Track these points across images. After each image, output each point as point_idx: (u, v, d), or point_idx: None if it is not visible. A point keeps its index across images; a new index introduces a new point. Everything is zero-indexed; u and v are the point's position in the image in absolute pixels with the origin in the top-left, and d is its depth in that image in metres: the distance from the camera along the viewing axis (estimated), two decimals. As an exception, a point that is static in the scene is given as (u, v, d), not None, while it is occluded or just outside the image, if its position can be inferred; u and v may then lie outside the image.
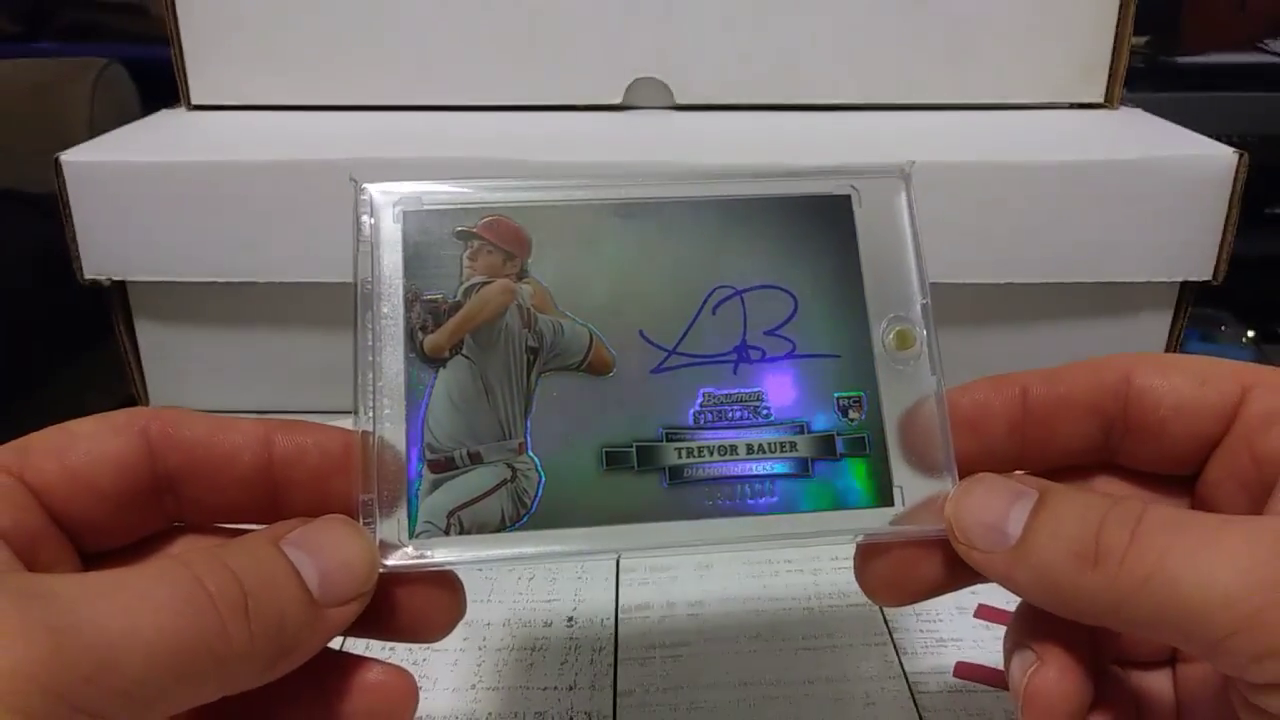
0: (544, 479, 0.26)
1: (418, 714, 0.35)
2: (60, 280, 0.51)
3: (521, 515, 0.25)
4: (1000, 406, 0.27)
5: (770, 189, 0.28)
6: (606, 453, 0.26)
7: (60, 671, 0.18)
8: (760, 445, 0.26)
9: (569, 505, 0.25)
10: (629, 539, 0.25)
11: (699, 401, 0.26)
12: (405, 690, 0.25)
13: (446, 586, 0.25)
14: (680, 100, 0.58)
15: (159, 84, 0.61)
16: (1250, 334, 0.70)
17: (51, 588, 0.19)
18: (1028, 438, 0.27)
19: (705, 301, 0.27)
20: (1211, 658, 0.21)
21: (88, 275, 0.51)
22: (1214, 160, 0.48)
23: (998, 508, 0.24)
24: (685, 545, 0.26)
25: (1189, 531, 0.21)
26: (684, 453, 0.26)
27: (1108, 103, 0.58)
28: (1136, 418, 0.26)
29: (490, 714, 0.35)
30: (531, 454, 0.26)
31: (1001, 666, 0.28)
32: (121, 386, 0.55)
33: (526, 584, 0.41)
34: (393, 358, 0.26)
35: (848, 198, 0.28)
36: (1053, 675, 0.25)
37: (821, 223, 0.28)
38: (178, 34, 0.56)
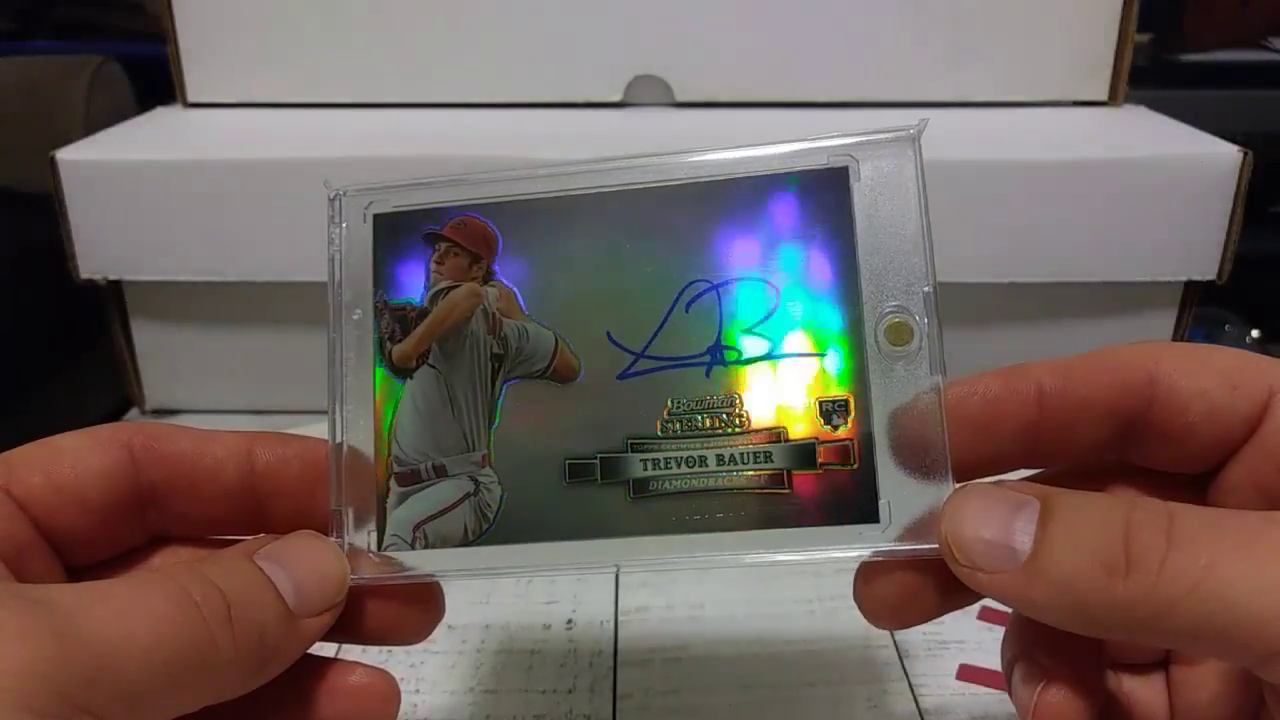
0: (505, 493, 0.25)
1: (418, 718, 0.35)
2: (56, 279, 0.51)
3: (484, 529, 0.25)
4: (1013, 406, 0.24)
5: (757, 166, 0.25)
6: (569, 465, 0.25)
7: (65, 673, 0.18)
8: (731, 456, 0.24)
9: (531, 519, 0.25)
10: (590, 555, 0.24)
11: (667, 409, 0.25)
12: (386, 693, 0.25)
13: (419, 597, 0.26)
14: (680, 98, 0.57)
15: (155, 82, 0.61)
16: (1255, 333, 0.70)
17: (49, 595, 0.19)
18: (1042, 439, 0.25)
19: (678, 298, 0.25)
20: (1260, 669, 0.20)
21: (84, 274, 0.50)
22: (1218, 158, 0.48)
23: (999, 521, 0.22)
24: (647, 563, 0.25)
25: (1232, 534, 0.20)
26: (650, 464, 0.24)
27: (1111, 100, 0.58)
28: (1161, 421, 0.24)
29: (488, 717, 0.35)
30: (495, 466, 0.25)
31: (1005, 670, 0.27)
32: (118, 386, 0.55)
33: (525, 586, 0.41)
34: (363, 369, 0.26)
35: (845, 170, 0.25)
36: (1065, 692, 0.24)
37: (813, 202, 0.25)
38: (174, 31, 0.56)
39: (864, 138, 0.25)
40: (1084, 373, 0.24)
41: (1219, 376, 0.24)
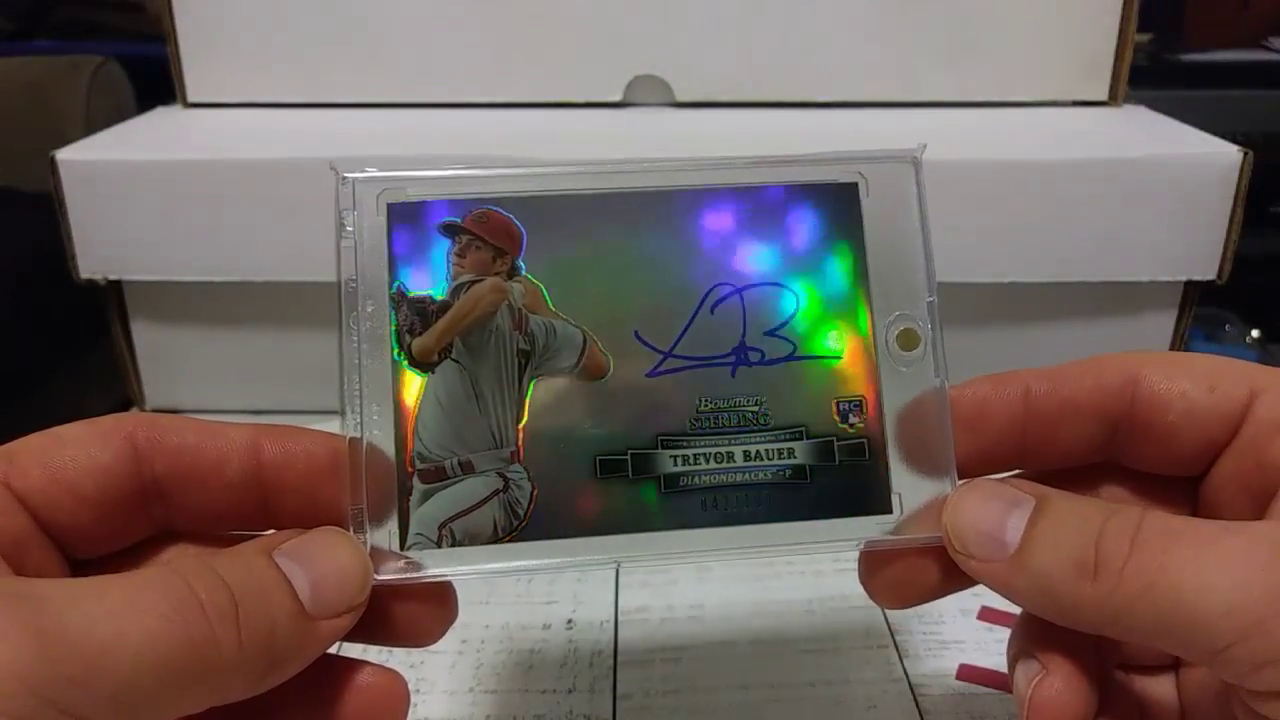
0: (537, 489, 0.25)
1: (418, 717, 0.35)
2: (56, 279, 0.51)
3: (514, 526, 0.25)
4: (1000, 406, 0.26)
5: (774, 177, 0.26)
6: (600, 461, 0.25)
7: (47, 673, 0.17)
8: (758, 452, 0.25)
9: (563, 516, 0.25)
10: (624, 549, 0.25)
11: (696, 407, 0.25)
12: (397, 693, 0.25)
13: (439, 597, 0.25)
14: (680, 98, 0.57)
15: (155, 82, 0.61)
16: (1255, 333, 0.70)
17: (39, 590, 0.19)
18: (1028, 439, 0.26)
19: (704, 300, 0.26)
20: (1212, 665, 0.21)
21: (84, 274, 0.50)
22: (1218, 158, 0.48)
23: (995, 515, 0.24)
24: (681, 555, 0.25)
25: (1188, 539, 0.21)
26: (680, 460, 0.25)
27: (1111, 100, 0.58)
28: (1143, 422, 0.25)
29: (489, 717, 0.35)
30: (524, 463, 0.25)
31: (1005, 669, 0.28)
32: (118, 386, 0.55)
33: (525, 586, 0.41)
34: (379, 361, 0.25)
35: (855, 186, 0.26)
36: (1058, 684, 0.24)
37: (827, 213, 0.26)
38: (174, 31, 0.56)
39: (870, 155, 0.26)
40: (1069, 376, 0.26)
41: (1198, 378, 0.25)
